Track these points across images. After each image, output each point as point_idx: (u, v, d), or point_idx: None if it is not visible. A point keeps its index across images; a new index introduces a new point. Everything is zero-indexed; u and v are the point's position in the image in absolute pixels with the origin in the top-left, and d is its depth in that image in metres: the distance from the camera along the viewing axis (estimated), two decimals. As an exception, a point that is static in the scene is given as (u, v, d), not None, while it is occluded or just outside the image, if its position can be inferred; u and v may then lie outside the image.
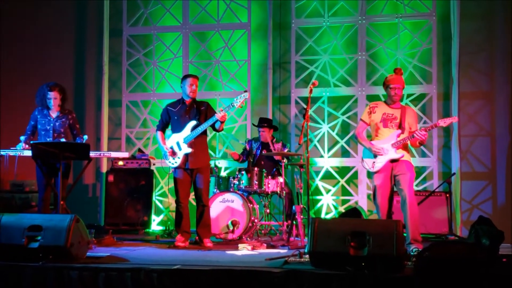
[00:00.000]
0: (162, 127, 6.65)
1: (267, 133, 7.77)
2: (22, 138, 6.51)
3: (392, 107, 5.81)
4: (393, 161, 5.69)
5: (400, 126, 5.73)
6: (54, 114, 6.62)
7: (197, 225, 6.50)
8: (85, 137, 6.49)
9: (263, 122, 7.80)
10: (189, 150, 6.37)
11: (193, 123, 6.39)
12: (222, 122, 6.32)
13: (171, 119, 6.57)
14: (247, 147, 7.89)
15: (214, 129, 6.46)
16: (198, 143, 6.43)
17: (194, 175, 6.46)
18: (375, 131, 5.85)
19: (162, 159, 6.63)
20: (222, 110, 6.24)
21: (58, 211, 6.12)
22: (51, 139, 6.51)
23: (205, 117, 6.46)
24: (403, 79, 5.83)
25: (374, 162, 5.74)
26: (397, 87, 5.71)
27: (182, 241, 6.37)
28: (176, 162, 6.43)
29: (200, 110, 6.48)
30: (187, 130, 6.40)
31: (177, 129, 6.49)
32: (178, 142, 6.42)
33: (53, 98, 6.57)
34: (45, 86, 6.60)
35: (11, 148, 6.50)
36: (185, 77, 6.61)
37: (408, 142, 5.76)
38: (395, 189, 5.80)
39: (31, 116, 6.67)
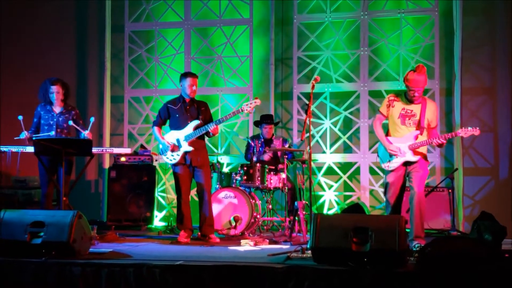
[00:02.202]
0: (159, 124, 6.62)
1: (271, 130, 7.79)
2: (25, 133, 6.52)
3: (412, 102, 5.64)
4: (408, 163, 5.62)
5: (419, 125, 5.60)
6: (57, 109, 6.64)
7: (200, 225, 6.50)
8: (92, 119, 6.53)
9: (267, 119, 7.80)
10: (190, 148, 6.37)
11: (196, 122, 6.39)
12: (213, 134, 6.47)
13: (170, 117, 6.55)
14: (252, 144, 7.89)
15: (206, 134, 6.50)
16: (198, 141, 6.44)
17: (194, 171, 6.47)
18: (393, 127, 5.72)
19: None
20: (233, 113, 6.37)
21: (60, 207, 6.13)
22: (54, 133, 6.52)
23: (205, 117, 6.49)
24: (426, 76, 5.59)
25: (389, 161, 5.66)
26: (417, 90, 5.53)
27: (185, 237, 6.38)
28: (174, 159, 6.43)
29: (201, 110, 6.49)
30: (189, 129, 6.40)
31: (177, 126, 6.47)
32: (178, 139, 6.41)
33: (56, 92, 6.58)
34: (48, 81, 6.63)
35: (14, 137, 6.50)
36: (184, 75, 6.53)
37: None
38: (407, 184, 5.76)
39: (35, 113, 6.68)
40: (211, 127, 6.31)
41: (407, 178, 5.70)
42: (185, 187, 6.50)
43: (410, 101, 5.64)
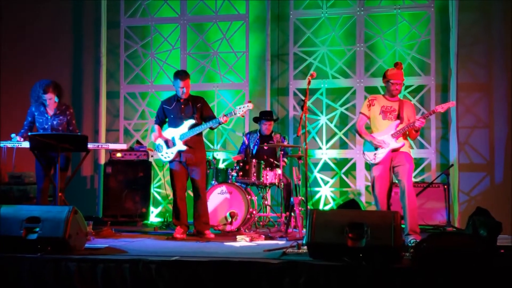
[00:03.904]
0: (159, 123, 6.62)
1: (270, 126, 7.77)
2: (14, 135, 6.45)
3: (390, 100, 5.89)
4: (393, 150, 5.74)
5: (399, 117, 5.79)
6: (51, 111, 6.56)
7: (195, 222, 6.50)
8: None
9: (267, 115, 7.76)
10: (184, 148, 6.35)
11: (191, 121, 6.36)
12: (219, 125, 6.40)
13: (167, 117, 6.55)
14: (246, 141, 7.87)
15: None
16: (194, 140, 6.41)
17: (189, 169, 6.46)
18: (375, 124, 5.90)
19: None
20: (225, 116, 6.24)
21: (56, 203, 6.12)
22: None
23: (201, 115, 6.44)
24: (403, 72, 5.91)
25: (375, 154, 5.78)
26: (397, 83, 5.82)
27: (181, 233, 6.38)
28: (168, 157, 6.42)
29: (197, 108, 6.45)
30: (184, 128, 6.37)
31: (174, 125, 6.47)
32: (173, 138, 6.40)
33: (48, 99, 6.50)
34: (39, 87, 6.49)
35: (5, 141, 6.43)
36: (175, 77, 6.46)
37: (407, 132, 5.79)
38: (394, 180, 5.83)
39: (28, 112, 6.60)
40: (220, 121, 6.26)
41: (393, 174, 5.80)
42: (180, 184, 6.50)
43: (390, 96, 5.88)
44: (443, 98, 8.24)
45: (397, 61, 5.99)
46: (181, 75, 6.46)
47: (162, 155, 6.48)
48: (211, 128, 6.49)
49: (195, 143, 6.42)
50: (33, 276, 4.51)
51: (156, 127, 6.59)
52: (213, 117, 6.41)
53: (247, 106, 6.26)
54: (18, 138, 6.41)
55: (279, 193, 7.51)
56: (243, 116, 6.45)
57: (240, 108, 6.25)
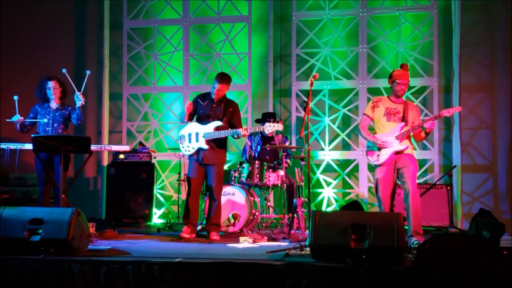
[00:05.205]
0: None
1: None
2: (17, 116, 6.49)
3: (395, 102, 5.87)
4: (397, 153, 5.72)
5: (404, 119, 5.77)
6: (54, 106, 6.63)
7: (206, 220, 6.53)
8: (87, 71, 6.54)
9: (269, 117, 7.75)
10: (206, 147, 6.37)
11: (218, 123, 6.38)
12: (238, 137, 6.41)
13: (197, 110, 6.55)
14: (249, 142, 7.88)
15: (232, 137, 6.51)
16: (217, 141, 6.43)
17: (207, 169, 6.47)
18: (379, 125, 5.88)
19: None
20: (246, 129, 6.24)
21: (59, 205, 6.12)
22: (50, 128, 6.51)
23: (230, 120, 6.46)
24: (409, 74, 5.91)
25: (378, 155, 5.75)
26: (403, 83, 5.80)
27: (188, 232, 6.37)
28: (188, 151, 6.45)
29: (228, 111, 6.46)
30: (210, 127, 6.39)
31: (201, 121, 6.48)
32: (197, 133, 6.42)
33: (53, 87, 6.57)
34: (44, 78, 6.63)
35: (6, 119, 6.47)
36: (215, 77, 6.47)
37: (411, 134, 5.79)
38: (397, 182, 5.82)
39: (31, 109, 6.66)
40: (239, 134, 6.25)
41: (398, 176, 5.77)
42: (196, 183, 6.49)
43: (395, 97, 5.86)
44: (446, 99, 8.24)
45: (403, 63, 5.98)
46: (221, 77, 6.47)
47: (183, 146, 6.50)
48: (233, 137, 6.51)
49: (216, 145, 6.44)
50: (36, 277, 4.51)
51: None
52: (240, 127, 6.42)
53: (277, 126, 6.29)
54: (19, 116, 6.44)
55: (281, 195, 7.51)
56: (270, 136, 6.47)
57: (269, 126, 6.28)
